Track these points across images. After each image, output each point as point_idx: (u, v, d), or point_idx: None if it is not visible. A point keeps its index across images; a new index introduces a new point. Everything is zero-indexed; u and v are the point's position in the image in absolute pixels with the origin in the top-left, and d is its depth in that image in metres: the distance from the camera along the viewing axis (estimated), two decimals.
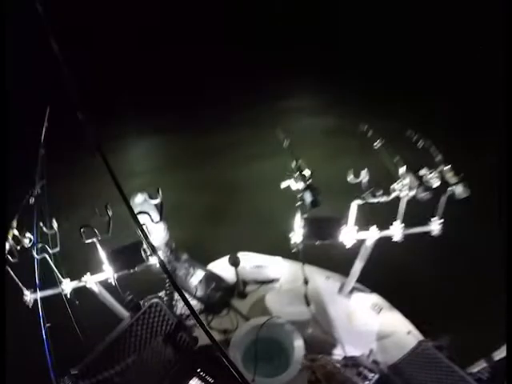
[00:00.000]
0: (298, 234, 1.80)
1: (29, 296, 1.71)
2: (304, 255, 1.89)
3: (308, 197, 1.63)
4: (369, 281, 2.26)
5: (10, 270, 1.61)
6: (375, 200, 1.66)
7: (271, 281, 2.27)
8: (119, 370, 1.72)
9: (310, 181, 1.68)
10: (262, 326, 1.97)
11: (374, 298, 2.19)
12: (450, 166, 1.64)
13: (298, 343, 1.90)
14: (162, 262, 1.37)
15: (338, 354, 2.03)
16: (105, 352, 1.73)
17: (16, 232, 1.60)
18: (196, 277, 2.21)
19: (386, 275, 2.77)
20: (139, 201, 1.95)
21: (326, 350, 2.04)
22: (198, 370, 1.80)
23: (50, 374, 1.50)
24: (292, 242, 1.82)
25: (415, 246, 2.38)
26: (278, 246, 2.25)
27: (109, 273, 1.75)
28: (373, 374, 1.81)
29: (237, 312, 2.16)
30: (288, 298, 2.19)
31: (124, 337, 1.77)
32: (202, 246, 2.95)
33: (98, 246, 1.70)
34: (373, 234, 1.82)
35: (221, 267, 2.30)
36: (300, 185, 1.69)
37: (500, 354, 1.65)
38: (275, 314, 2.07)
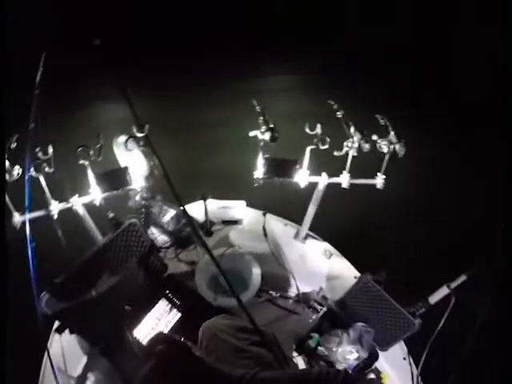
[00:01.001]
0: (259, 171, 2.07)
1: (17, 218, 1.77)
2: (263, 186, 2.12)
3: (267, 134, 1.92)
4: (322, 232, 2.59)
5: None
6: (325, 147, 1.94)
7: (235, 221, 2.55)
8: (96, 285, 1.90)
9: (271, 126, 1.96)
10: (224, 252, 2.31)
11: (326, 245, 2.51)
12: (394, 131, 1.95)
13: (256, 271, 2.22)
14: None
15: (291, 289, 2.34)
16: (85, 264, 1.87)
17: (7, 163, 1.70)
18: (168, 214, 2.47)
19: (339, 228, 3.15)
20: (122, 140, 2.10)
21: (281, 285, 2.34)
22: (167, 292, 2.06)
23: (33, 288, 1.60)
24: (255, 177, 2.08)
25: (370, 202, 2.80)
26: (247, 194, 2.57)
27: (95, 194, 1.93)
28: (321, 307, 2.15)
29: (202, 246, 2.44)
30: (250, 236, 2.48)
31: (104, 252, 1.92)
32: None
33: (89, 169, 1.88)
34: (323, 179, 2.12)
35: (191, 209, 2.55)
36: (265, 134, 1.96)
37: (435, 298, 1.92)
38: (240, 247, 2.38)
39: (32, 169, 1.73)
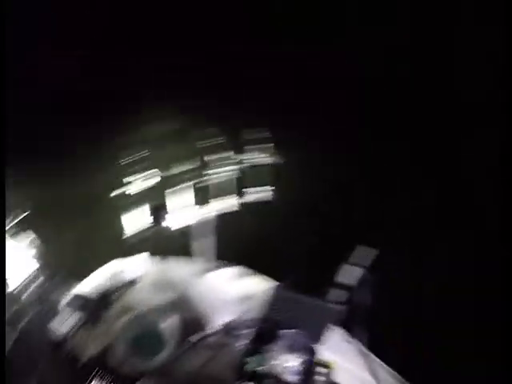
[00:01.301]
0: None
1: None
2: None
3: None
4: (228, 256, 2.67)
5: None
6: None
7: (133, 281, 2.51)
8: None
9: None
10: (129, 319, 2.30)
11: (235, 269, 2.59)
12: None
13: (166, 324, 2.24)
14: None
15: (214, 324, 2.33)
16: None
17: None
18: (64, 299, 2.44)
19: (242, 248, 3.16)
20: None
21: (203, 325, 2.33)
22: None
23: None
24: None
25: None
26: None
27: None
28: (248, 330, 2.18)
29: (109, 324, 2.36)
30: (154, 289, 2.46)
31: None
32: None
33: None
34: (214, 208, 2.30)
35: (86, 286, 2.52)
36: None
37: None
38: (144, 309, 2.33)
39: None
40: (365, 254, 2.05)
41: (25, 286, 2.21)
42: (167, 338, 2.14)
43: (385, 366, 2.18)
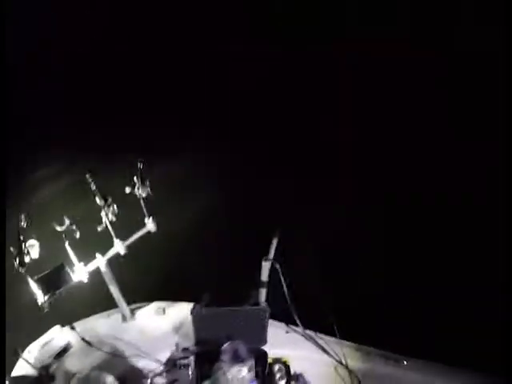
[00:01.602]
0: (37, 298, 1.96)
1: None
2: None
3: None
4: (143, 294, 2.61)
5: None
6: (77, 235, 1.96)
7: (65, 349, 2.30)
8: None
9: None
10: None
11: (154, 305, 2.47)
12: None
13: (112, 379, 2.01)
14: None
15: (154, 366, 2.14)
16: None
17: None
18: None
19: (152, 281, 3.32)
20: None
21: (143, 373, 2.14)
22: None
23: None
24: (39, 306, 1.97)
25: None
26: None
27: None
28: (187, 360, 2.05)
29: None
30: (86, 351, 2.27)
31: None
32: None
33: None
34: (100, 259, 2.12)
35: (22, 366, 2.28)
36: None
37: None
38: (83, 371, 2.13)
39: None
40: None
41: None
42: None
43: (332, 338, 2.20)
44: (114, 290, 2.27)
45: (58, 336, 2.32)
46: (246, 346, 1.85)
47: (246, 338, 1.91)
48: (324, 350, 2.12)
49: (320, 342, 2.17)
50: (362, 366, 2.04)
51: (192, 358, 2.04)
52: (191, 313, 2.08)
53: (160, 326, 2.35)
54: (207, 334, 2.10)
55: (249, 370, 1.83)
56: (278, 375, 1.97)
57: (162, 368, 2.07)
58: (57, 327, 2.38)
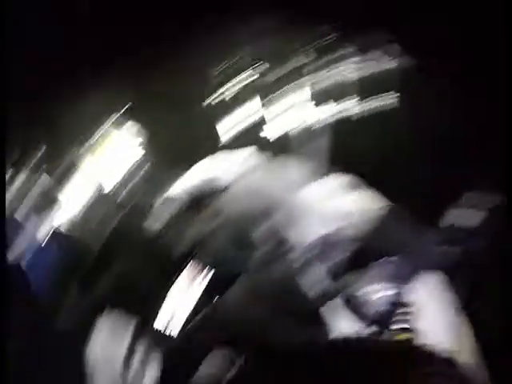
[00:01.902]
0: None
1: None
2: None
3: None
4: (341, 164, 2.33)
5: None
6: None
7: (227, 185, 2.24)
8: None
9: None
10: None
11: (348, 178, 2.24)
12: None
13: (259, 229, 1.95)
14: None
15: (315, 232, 2.07)
16: None
17: None
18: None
19: (359, 157, 2.88)
20: None
21: (304, 229, 2.09)
22: None
23: None
24: None
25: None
26: None
27: None
28: (345, 248, 1.88)
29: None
30: (248, 196, 2.19)
31: None
32: None
33: None
34: (329, 110, 1.89)
35: (179, 187, 2.30)
36: None
37: None
38: (236, 215, 2.10)
39: None
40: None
41: (122, 184, 2.05)
42: (258, 246, 1.85)
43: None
44: (324, 146, 1.99)
45: (230, 168, 2.09)
46: (400, 273, 1.69)
47: (405, 263, 1.73)
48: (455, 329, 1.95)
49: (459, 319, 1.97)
50: None
51: (345, 250, 1.81)
52: (379, 208, 1.88)
53: (342, 201, 2.08)
54: (381, 236, 1.86)
55: (383, 296, 1.66)
56: (399, 317, 1.80)
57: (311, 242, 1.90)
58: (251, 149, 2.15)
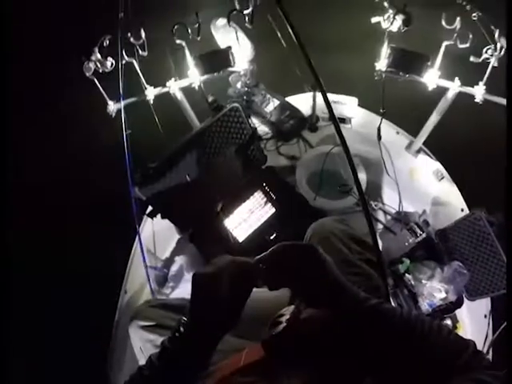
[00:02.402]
0: (382, 62, 1.73)
1: (112, 106, 1.76)
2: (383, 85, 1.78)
3: (396, 20, 1.59)
4: (436, 149, 2.15)
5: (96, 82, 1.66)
6: (465, 45, 1.53)
7: (343, 120, 2.20)
8: (191, 171, 1.83)
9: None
10: (329, 151, 2.07)
11: (438, 166, 2.07)
12: None
13: (362, 176, 1.98)
14: None
15: (392, 205, 2.11)
16: (181, 149, 1.79)
17: (98, 55, 1.65)
18: (272, 104, 2.26)
19: (456, 149, 2.54)
20: (221, 23, 1.92)
21: (382, 198, 2.15)
22: (263, 185, 1.94)
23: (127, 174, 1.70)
24: (376, 69, 1.75)
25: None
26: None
27: (194, 77, 1.85)
28: (420, 233, 1.88)
29: (306, 142, 2.25)
30: (358, 138, 2.15)
31: (202, 137, 1.82)
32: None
33: (186, 49, 1.78)
34: (455, 85, 1.71)
35: (297, 101, 2.30)
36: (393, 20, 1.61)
37: None
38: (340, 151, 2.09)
39: (125, 55, 1.66)
40: None
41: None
42: (355, 189, 1.97)
43: None
44: (433, 118, 1.93)
45: (352, 107, 2.22)
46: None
47: (471, 278, 1.70)
48: None
49: None
50: None
51: (422, 235, 1.86)
52: (465, 210, 1.88)
53: (425, 185, 2.12)
54: (453, 238, 1.84)
55: (443, 299, 1.67)
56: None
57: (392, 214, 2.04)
58: (355, 100, 2.24)
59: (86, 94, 1.90)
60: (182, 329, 0.82)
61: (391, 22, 1.62)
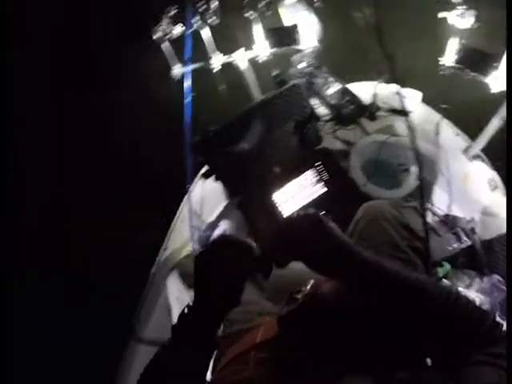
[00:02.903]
0: (449, 57, 1.67)
1: (177, 70, 1.83)
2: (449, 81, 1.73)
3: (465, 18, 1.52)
4: (494, 157, 2.06)
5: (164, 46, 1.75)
6: None
7: (404, 112, 2.19)
8: (249, 139, 1.87)
9: None
10: (386, 140, 2.06)
11: (493, 175, 1.99)
12: None
13: (415, 170, 1.96)
14: None
15: (440, 206, 2.04)
16: (242, 118, 1.84)
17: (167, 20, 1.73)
18: (333, 87, 2.24)
19: None
20: (290, 1, 1.92)
21: (431, 197, 2.09)
22: (317, 164, 1.95)
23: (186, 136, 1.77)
24: (440, 63, 1.70)
25: None
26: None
27: (261, 50, 1.88)
28: (466, 239, 1.82)
29: (363, 129, 2.23)
30: (418, 133, 2.04)
31: (262, 108, 1.85)
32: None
33: (256, 22, 1.80)
34: None
35: (358, 88, 2.28)
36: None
37: None
38: (401, 138, 2.07)
39: (196, 22, 1.73)
40: None
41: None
42: (407, 183, 1.96)
43: None
44: (493, 126, 1.88)
45: (414, 101, 2.18)
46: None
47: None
48: None
49: None
50: None
51: (467, 241, 1.80)
52: None
53: (478, 192, 2.04)
54: (499, 251, 1.78)
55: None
56: None
57: (439, 215, 1.95)
58: (419, 95, 2.19)
59: (151, 57, 1.98)
60: (186, 310, 0.85)
61: (462, 18, 1.57)
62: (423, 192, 1.12)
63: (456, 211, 2.00)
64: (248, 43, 1.92)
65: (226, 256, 0.81)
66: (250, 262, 0.82)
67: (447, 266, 1.76)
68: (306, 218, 0.80)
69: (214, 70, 1.90)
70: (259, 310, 1.15)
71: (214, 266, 0.81)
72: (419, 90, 2.16)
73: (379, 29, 0.95)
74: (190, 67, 1.86)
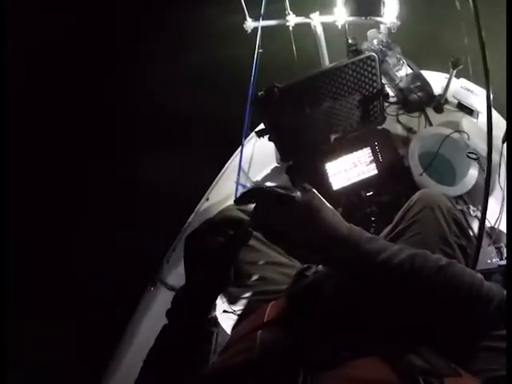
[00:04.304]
0: None
1: (249, 23, 1.80)
2: None
3: None
4: None
5: None
6: None
7: (472, 111, 2.06)
8: (312, 104, 1.77)
9: None
10: (450, 135, 1.95)
11: None
12: None
13: (473, 173, 1.86)
14: None
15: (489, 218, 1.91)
16: (309, 80, 1.72)
17: None
18: (404, 70, 2.16)
19: None
20: None
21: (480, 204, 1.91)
22: (374, 143, 1.90)
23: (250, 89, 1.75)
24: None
25: None
26: None
27: (339, 16, 1.82)
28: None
29: (427, 119, 2.14)
30: (482, 135, 1.94)
31: (332, 75, 1.74)
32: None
33: None
34: None
35: (430, 77, 2.18)
36: None
37: None
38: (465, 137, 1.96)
39: None
40: None
41: None
42: (463, 183, 1.87)
43: None
44: None
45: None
46: None
47: None
48: None
49: None
50: None
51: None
52: None
53: None
54: None
55: None
56: None
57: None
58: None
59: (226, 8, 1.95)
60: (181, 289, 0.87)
61: None
62: (487, 195, 1.05)
63: (503, 227, 1.89)
64: (328, 7, 1.85)
65: (215, 233, 0.82)
66: (239, 239, 0.82)
67: None
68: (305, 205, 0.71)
69: (290, 29, 1.86)
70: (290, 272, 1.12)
71: (202, 243, 0.84)
72: (494, 93, 2.05)
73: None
74: (264, 22, 1.83)
